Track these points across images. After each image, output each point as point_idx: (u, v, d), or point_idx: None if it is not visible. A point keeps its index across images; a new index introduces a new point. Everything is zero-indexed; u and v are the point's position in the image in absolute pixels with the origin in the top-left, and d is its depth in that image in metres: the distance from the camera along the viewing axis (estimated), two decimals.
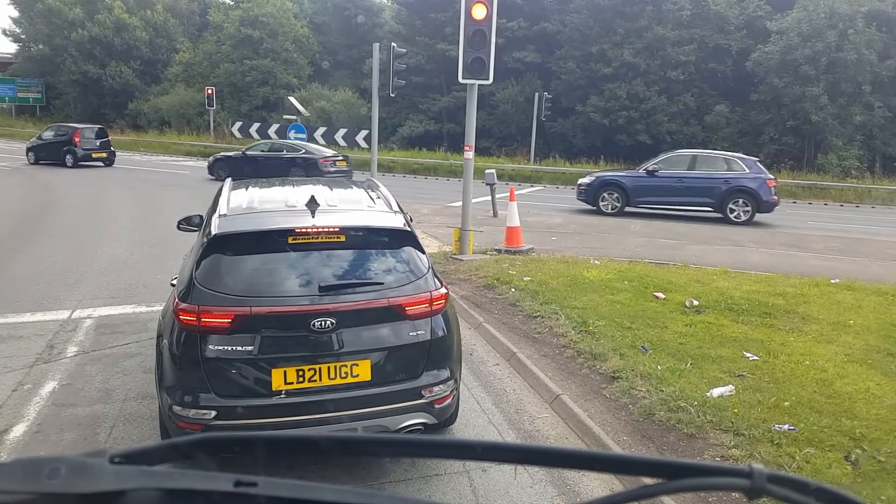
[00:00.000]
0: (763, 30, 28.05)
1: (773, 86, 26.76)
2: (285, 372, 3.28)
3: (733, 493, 1.14)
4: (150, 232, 10.58)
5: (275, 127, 29.54)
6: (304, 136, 27.26)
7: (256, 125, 30.53)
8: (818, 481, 0.63)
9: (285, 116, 30.39)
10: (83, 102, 41.43)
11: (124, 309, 6.69)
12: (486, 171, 12.29)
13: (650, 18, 28.41)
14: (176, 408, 3.28)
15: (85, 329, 6.08)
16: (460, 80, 7.97)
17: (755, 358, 5.13)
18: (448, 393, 3.56)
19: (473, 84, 8.21)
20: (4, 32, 43.61)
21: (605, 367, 4.83)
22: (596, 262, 8.23)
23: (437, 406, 3.51)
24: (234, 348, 3.26)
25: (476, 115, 8.03)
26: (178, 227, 5.40)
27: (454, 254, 8.68)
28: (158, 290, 7.28)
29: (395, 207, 4.01)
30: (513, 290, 6.71)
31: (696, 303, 6.42)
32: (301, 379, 3.30)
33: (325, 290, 3.36)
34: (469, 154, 8.50)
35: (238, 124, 31.13)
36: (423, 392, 3.46)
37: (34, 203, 13.76)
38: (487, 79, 7.90)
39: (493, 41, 7.81)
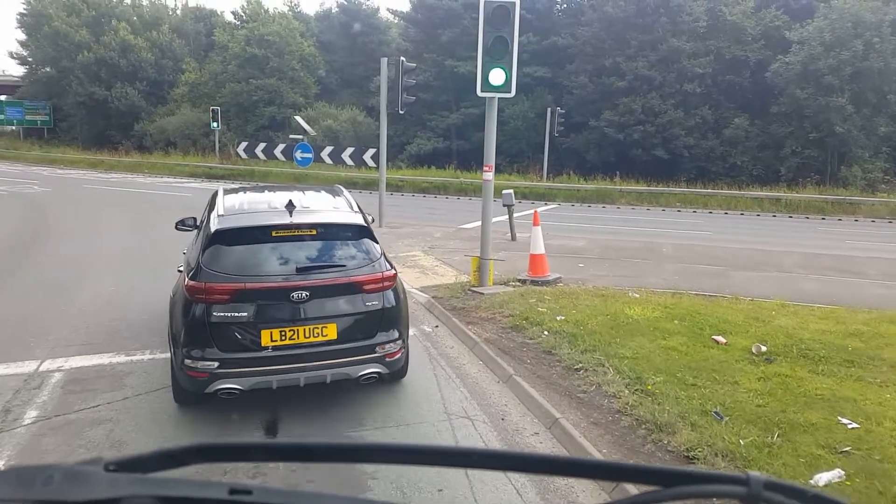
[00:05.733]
0: (781, 40, 27.22)
1: (794, 97, 25.85)
2: (271, 332, 4.33)
3: (730, 501, 0.65)
4: (141, 262, 9.77)
5: (281, 147, 28.92)
6: (310, 155, 26.57)
7: (262, 145, 29.91)
8: (815, 489, 0.51)
9: (291, 136, 29.74)
10: (89, 124, 41.14)
11: (100, 359, 5.82)
12: (504, 191, 11.44)
13: (665, 30, 27.66)
14: (187, 361, 4.28)
15: (51, 386, 5.21)
16: (479, 93, 7.15)
17: (854, 425, 4.17)
18: (397, 350, 4.62)
19: (493, 98, 7.37)
20: (11, 55, 43.60)
21: (675, 443, 3.89)
22: (635, 294, 7.30)
23: (388, 359, 4.58)
24: (233, 314, 4.29)
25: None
26: (176, 228, 6.45)
27: (473, 286, 7.79)
28: (142, 335, 6.43)
29: (356, 208, 5.09)
30: (546, 332, 5.79)
31: (763, 348, 5.47)
32: (283, 337, 4.34)
33: (301, 270, 4.45)
34: (489, 175, 7.65)
35: (243, 144, 30.52)
36: (376, 348, 4.52)
37: (27, 229, 13.03)
38: (509, 91, 7.08)
39: (516, 50, 6.98)
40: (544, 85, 29.95)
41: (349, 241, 4.72)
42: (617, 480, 0.73)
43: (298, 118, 30.17)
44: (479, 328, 6.16)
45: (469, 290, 7.63)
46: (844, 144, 25.92)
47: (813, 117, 25.79)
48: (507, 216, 11.56)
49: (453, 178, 24.93)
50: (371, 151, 27.15)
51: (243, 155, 29.89)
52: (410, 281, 8.47)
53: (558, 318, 6.11)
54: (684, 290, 7.74)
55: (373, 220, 5.23)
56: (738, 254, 10.98)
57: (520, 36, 29.09)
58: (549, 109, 24.96)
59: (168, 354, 4.87)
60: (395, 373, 4.87)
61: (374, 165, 26.84)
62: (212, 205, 5.12)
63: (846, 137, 25.29)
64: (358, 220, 4.87)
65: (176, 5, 45.90)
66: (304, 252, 4.59)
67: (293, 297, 4.33)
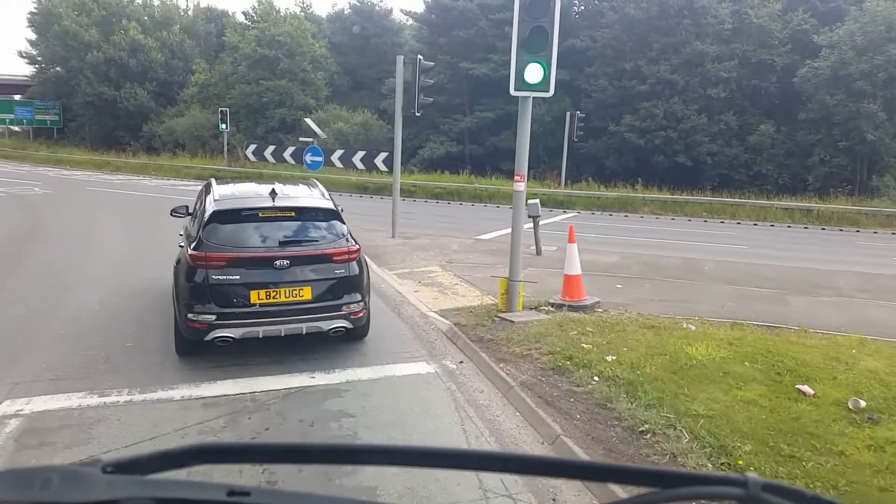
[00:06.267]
0: (809, 44, 26.18)
1: (823, 103, 24.79)
2: (258, 292, 5.35)
3: (728, 503, 0.63)
4: (134, 275, 8.92)
5: (290, 150, 28.12)
6: (320, 158, 25.75)
7: (271, 148, 29.14)
8: (813, 491, 0.63)
9: (301, 139, 28.97)
10: (98, 125, 40.61)
11: (69, 400, 4.95)
12: (530, 201, 10.50)
13: (688, 33, 26.68)
14: (190, 315, 5.29)
15: (4, 438, 4.35)
16: (512, 91, 6.24)
17: None
18: (360, 309, 5.63)
19: (528, 98, 6.46)
20: (21, 55, 43.13)
21: None
22: (691, 326, 6.35)
23: (352, 317, 5.59)
24: (227, 277, 5.30)
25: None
26: (171, 214, 7.30)
27: (500, 311, 6.86)
28: (122, 368, 5.55)
29: (327, 197, 6.20)
30: (596, 378, 4.85)
31: (862, 404, 4.51)
32: (268, 297, 5.36)
33: (283, 243, 5.53)
34: (520, 185, 6.73)
35: (252, 147, 29.77)
36: (343, 307, 5.54)
37: (19, 235, 12.24)
38: (547, 90, 6.17)
39: (556, 42, 6.08)
40: (562, 88, 28.88)
41: (321, 222, 5.81)
42: (615, 482, 0.68)
43: (309, 120, 29.42)
44: (513, 367, 5.23)
45: (496, 316, 6.71)
46: (876, 153, 24.83)
47: (843, 124, 24.72)
48: (530, 227, 10.62)
49: (467, 183, 24.02)
50: (382, 155, 26.31)
51: (252, 157, 29.13)
52: (428, 302, 7.57)
53: (608, 359, 5.16)
54: (742, 320, 6.77)
55: (342, 210, 6.16)
56: (787, 273, 9.98)
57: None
58: (568, 114, 24.02)
59: (144, 396, 5.00)
60: (359, 329, 5.87)
61: (386, 169, 26.01)
62: (206, 192, 6.21)
63: (878, 146, 24.21)
64: (329, 205, 5.99)
65: (187, 6, 45.45)
66: (285, 229, 5.66)
67: (276, 264, 5.40)
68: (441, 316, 6.94)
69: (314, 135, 28.02)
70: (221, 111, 28.92)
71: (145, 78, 38.96)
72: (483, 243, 12.23)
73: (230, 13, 44.75)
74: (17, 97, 45.78)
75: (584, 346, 5.49)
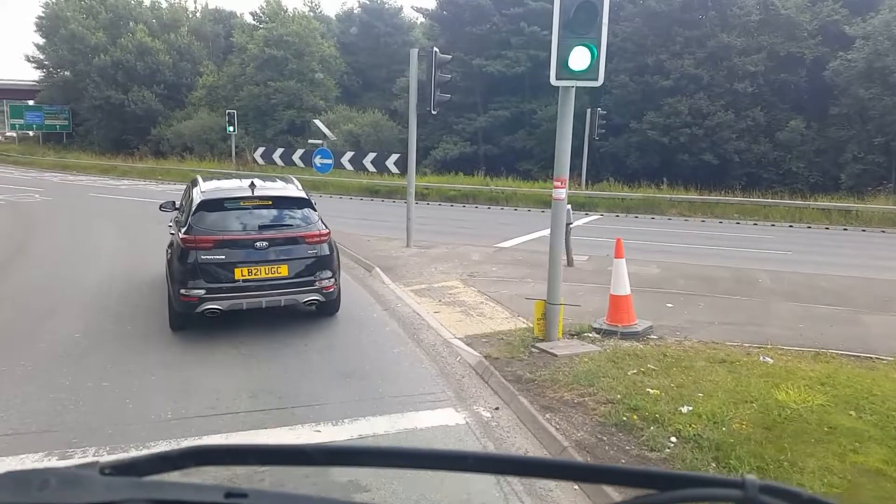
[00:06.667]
0: (840, 35, 24.91)
1: (857, 97, 23.52)
2: (242, 270, 6.16)
3: None
4: (124, 297, 8.05)
5: (299, 152, 27.28)
6: (330, 161, 24.89)
7: (280, 150, 28.31)
8: (811, 492, 0.62)
9: (310, 141, 28.13)
10: (106, 128, 40.05)
11: (21, 463, 4.05)
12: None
13: (713, 25, 25.52)
14: (182, 290, 6.06)
15: None
16: (554, 80, 5.27)
17: None
18: (331, 284, 6.53)
19: (570, 89, 5.48)
20: (28, 59, 42.74)
21: None
22: (767, 358, 5.32)
23: (324, 291, 6.48)
24: (214, 257, 6.12)
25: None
26: (160, 209, 8.26)
27: (537, 339, 5.89)
28: (93, 422, 4.60)
29: (300, 188, 7.24)
30: (673, 439, 3.84)
31: None
32: (250, 273, 6.18)
33: (262, 228, 6.42)
34: (560, 192, 5.76)
35: (260, 150, 28.98)
36: (315, 283, 6.42)
37: (7, 248, 11.44)
38: (595, 78, 5.20)
39: (606, 22, 5.11)
40: None
41: (295, 210, 6.66)
42: (613, 484, 0.69)
43: (318, 122, 28.56)
44: (563, 419, 4.24)
45: (534, 346, 5.73)
46: None
47: (878, 119, 23.45)
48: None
49: (483, 185, 23.02)
50: (394, 157, 25.39)
51: (260, 161, 28.34)
52: (452, 326, 6.61)
53: (683, 410, 4.16)
54: (823, 349, 5.74)
55: (316, 203, 7.08)
56: (849, 286, 8.90)
57: (552, 33, 26.87)
58: (588, 110, 22.93)
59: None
60: (330, 303, 6.70)
61: (398, 171, 25.08)
62: (193, 185, 7.08)
63: None
64: (302, 195, 6.88)
65: (195, 7, 44.70)
66: (264, 216, 6.47)
67: (256, 245, 6.17)
68: (467, 344, 5.98)
69: (323, 136, 27.13)
70: (229, 113, 28.15)
71: (153, 81, 38.37)
72: (505, 252, 11.24)
73: (238, 14, 44.19)
74: (30, 102, 45.46)
75: (650, 391, 4.49)
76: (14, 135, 48.27)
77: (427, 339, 6.29)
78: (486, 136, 29.52)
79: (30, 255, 10.78)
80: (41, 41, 41.66)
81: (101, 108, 38.82)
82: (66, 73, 41.59)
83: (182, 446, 0.69)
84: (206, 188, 6.78)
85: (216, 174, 11.44)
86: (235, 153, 29.78)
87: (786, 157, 25.54)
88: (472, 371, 5.42)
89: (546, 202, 21.93)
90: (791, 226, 18.61)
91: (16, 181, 25.35)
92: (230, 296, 6.11)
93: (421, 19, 37.30)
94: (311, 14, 40.11)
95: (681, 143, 24.83)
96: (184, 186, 8.31)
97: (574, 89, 5.56)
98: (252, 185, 6.61)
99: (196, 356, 5.87)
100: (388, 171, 25.02)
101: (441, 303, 7.59)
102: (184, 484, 0.62)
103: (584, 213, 19.67)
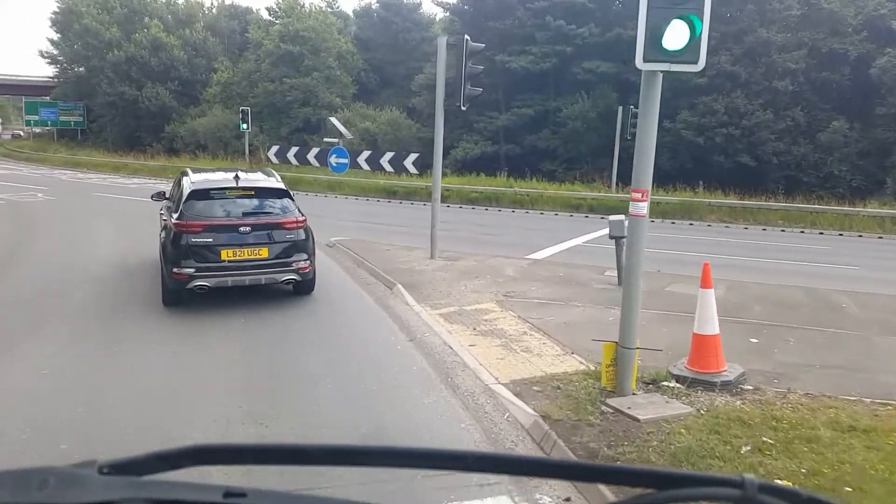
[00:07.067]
0: (887, 31, 23.41)
1: None
2: (227, 251, 6.93)
3: None
4: (109, 319, 6.99)
5: (314, 151, 26.25)
6: (346, 160, 23.83)
7: (295, 149, 27.31)
8: (810, 491, 0.63)
9: (326, 139, 27.11)
10: (120, 125, 39.42)
11: None
12: (612, 217, 8.29)
13: (751, 20, 24.08)
14: (175, 269, 6.80)
15: None
16: (640, 63, 4.12)
17: None
18: (306, 265, 7.30)
19: (657, 74, 4.31)
20: (42, 54, 42.23)
21: None
22: None
23: (301, 271, 7.24)
24: (203, 240, 6.87)
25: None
26: (151, 199, 9.14)
27: (607, 391, 4.70)
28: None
29: (279, 180, 7.95)
30: None
31: None
32: (235, 255, 6.95)
33: (245, 214, 7.23)
34: (642, 206, 4.59)
35: (274, 148, 27.99)
36: (292, 264, 7.18)
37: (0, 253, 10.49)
38: (695, 60, 4.03)
39: None
40: (608, 81, 26.63)
41: (275, 199, 7.57)
42: (610, 483, 0.70)
43: (334, 119, 27.51)
44: None
45: (604, 401, 4.53)
46: None
47: None
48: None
49: (506, 187, 21.81)
50: (412, 156, 24.27)
51: (274, 160, 27.33)
52: (493, 365, 5.45)
53: None
54: None
55: (294, 195, 7.99)
56: None
57: (579, 27, 25.55)
58: (620, 108, 21.68)
59: None
60: (306, 283, 7.50)
61: (416, 172, 23.96)
62: (183, 176, 7.87)
63: None
64: (281, 186, 7.75)
65: (212, 3, 43.89)
66: (247, 204, 7.40)
67: (240, 230, 7.09)
68: (516, 394, 4.81)
69: (339, 135, 26.09)
70: (242, 110, 27.19)
71: (167, 77, 37.63)
72: (541, 266, 10.03)
73: (254, 10, 43.39)
74: (47, 98, 44.99)
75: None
76: (21, 132, 47.89)
77: (464, 385, 5.13)
78: (508, 135, 28.29)
79: (17, 263, 9.77)
80: (56, 37, 41.16)
81: (114, 104, 38.19)
82: (80, 68, 41.03)
83: (180, 446, 0.63)
84: (195, 179, 7.63)
85: (205, 168, 12.19)
86: (249, 151, 28.83)
87: (827, 160, 24.04)
88: (526, 435, 4.25)
89: (574, 206, 20.75)
90: (841, 234, 17.22)
91: (22, 179, 24.60)
92: (217, 274, 6.91)
93: (441, 14, 36.18)
94: (328, 9, 39.14)
95: (716, 143, 23.45)
96: None
97: (661, 77, 4.37)
98: (236, 177, 7.54)
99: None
100: (406, 172, 23.91)
101: (476, 332, 6.43)
102: (182, 483, 0.61)
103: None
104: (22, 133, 47.39)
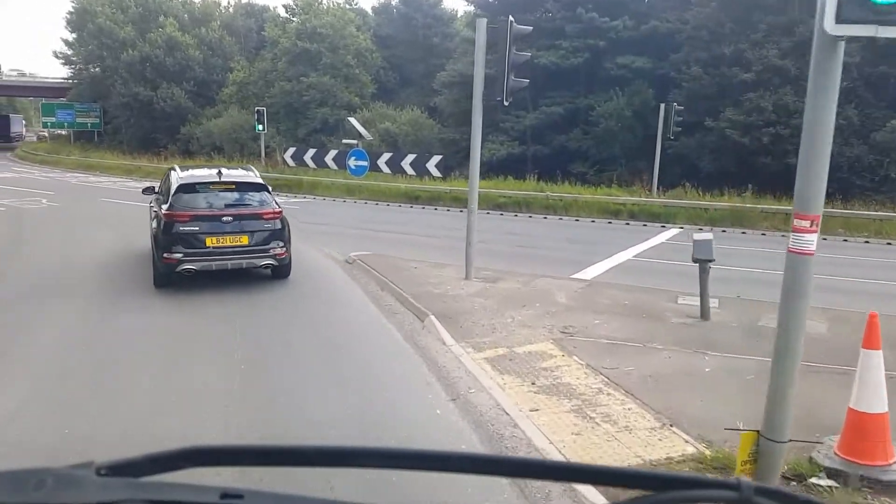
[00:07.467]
0: None
1: None
2: (212, 238, 7.77)
3: None
4: (92, 343, 5.72)
5: (332, 153, 25.03)
6: (365, 163, 22.57)
7: (312, 151, 26.12)
8: (806, 494, 0.65)
9: (344, 141, 25.88)
10: (135, 126, 38.62)
11: None
12: (696, 235, 6.81)
13: (801, 10, 22.27)
14: (165, 254, 7.62)
15: None
16: (830, 27, 2.76)
17: None
18: (283, 251, 8.14)
19: (838, 44, 2.91)
20: (56, 55, 41.68)
21: None
22: None
23: (278, 257, 8.10)
24: (190, 228, 7.70)
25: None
26: (143, 193, 10.17)
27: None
28: None
29: (258, 176, 8.91)
30: None
31: None
32: (218, 242, 7.80)
33: (227, 206, 8.06)
34: (810, 242, 3.14)
35: (291, 150, 26.82)
36: (270, 250, 8.02)
37: None
38: None
39: None
40: (644, 77, 25.05)
41: (254, 192, 8.37)
42: (608, 485, 0.70)
43: (353, 120, 26.27)
44: None
45: None
46: None
47: None
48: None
49: (537, 191, 20.32)
50: (436, 159, 22.90)
51: (291, 162, 26.18)
52: (566, 444, 4.06)
53: None
54: None
55: (273, 189, 9.11)
56: None
57: (613, 20, 23.76)
58: (662, 106, 20.08)
59: None
60: (282, 268, 8.39)
61: (440, 175, 22.60)
62: (172, 171, 8.77)
63: None
64: (260, 181, 8.63)
65: (228, 2, 42.99)
66: (229, 197, 8.20)
67: (223, 220, 7.90)
68: (609, 499, 3.38)
69: (358, 136, 24.83)
70: (258, 111, 26.03)
71: (182, 77, 36.75)
72: (598, 290, 8.53)
73: (271, 7, 42.42)
74: (63, 99, 44.47)
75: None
76: (45, 134, 47.43)
77: (534, 481, 3.71)
78: (535, 135, 26.81)
79: (17, 271, 8.69)
80: (70, 37, 40.56)
81: (128, 105, 37.41)
82: (95, 69, 40.37)
83: (178, 448, 0.64)
84: (182, 175, 8.39)
85: (191, 165, 13.18)
86: (265, 153, 27.68)
87: (883, 162, 22.21)
88: None
89: (612, 212, 19.13)
90: None
91: (31, 183, 23.70)
92: (202, 259, 7.74)
93: (463, 10, 34.83)
94: (346, 6, 37.98)
95: (763, 144, 21.74)
96: None
97: (842, 48, 2.95)
98: (219, 173, 8.48)
99: None
100: (430, 175, 22.56)
101: (537, 388, 5.02)
102: (180, 484, 0.62)
103: (661, 225, 16.86)
104: (46, 135, 46.95)
